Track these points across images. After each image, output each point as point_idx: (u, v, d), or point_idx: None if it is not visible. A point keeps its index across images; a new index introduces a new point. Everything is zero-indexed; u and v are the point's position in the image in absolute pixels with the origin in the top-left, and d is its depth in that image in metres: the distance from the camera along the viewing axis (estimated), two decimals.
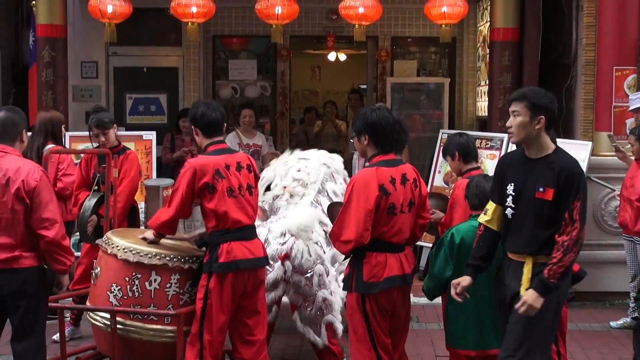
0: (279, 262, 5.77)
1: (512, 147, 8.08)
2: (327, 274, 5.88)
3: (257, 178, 5.42)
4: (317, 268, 5.80)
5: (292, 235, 5.81)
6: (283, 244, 5.78)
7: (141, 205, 7.35)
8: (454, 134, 6.09)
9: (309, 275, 5.79)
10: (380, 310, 4.74)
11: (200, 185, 5.04)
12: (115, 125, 6.69)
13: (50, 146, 6.67)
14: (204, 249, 5.26)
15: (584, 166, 7.68)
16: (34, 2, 9.33)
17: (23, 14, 11.19)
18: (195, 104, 5.41)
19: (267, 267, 5.62)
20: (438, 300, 5.17)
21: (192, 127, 5.32)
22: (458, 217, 5.38)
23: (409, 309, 5.00)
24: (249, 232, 5.20)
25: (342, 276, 5.14)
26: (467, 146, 5.74)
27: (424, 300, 7.75)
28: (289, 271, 5.76)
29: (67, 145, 8.54)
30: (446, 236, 4.83)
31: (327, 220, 5.84)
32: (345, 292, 4.90)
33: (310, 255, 5.78)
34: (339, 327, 5.84)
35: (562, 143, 7.63)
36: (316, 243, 5.86)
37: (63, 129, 7.09)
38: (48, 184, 4.74)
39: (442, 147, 5.80)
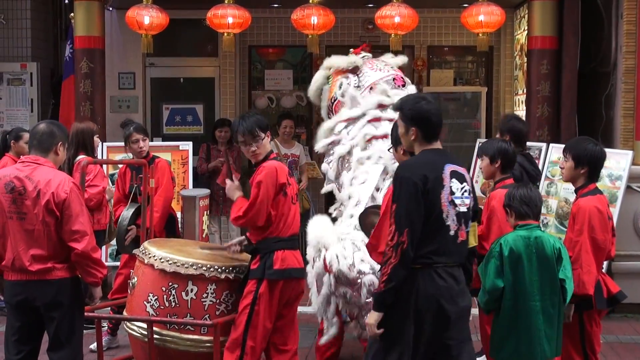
0: (327, 275, 5.68)
1: (550, 156, 7.99)
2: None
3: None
4: (367, 278, 5.56)
5: (325, 248, 5.73)
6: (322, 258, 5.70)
7: (177, 216, 7.38)
8: (500, 139, 5.96)
9: (355, 286, 5.62)
10: None
11: (279, 184, 5.05)
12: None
13: (81, 157, 6.74)
14: (237, 257, 5.27)
15: (624, 176, 7.60)
16: (72, 14, 9.44)
17: (62, 26, 11.35)
18: (256, 114, 5.37)
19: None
20: (474, 310, 5.11)
21: (268, 133, 5.25)
22: (495, 228, 5.32)
23: None
24: (297, 242, 5.27)
25: None
26: (511, 156, 5.64)
27: None
28: (332, 285, 5.66)
29: (105, 156, 8.62)
30: (494, 248, 4.78)
31: None
32: None
33: (354, 266, 5.59)
34: None
35: None
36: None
37: (97, 139, 7.14)
38: (79, 196, 4.76)
39: (480, 146, 5.62)
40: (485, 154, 5.57)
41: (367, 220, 5.32)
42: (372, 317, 4.14)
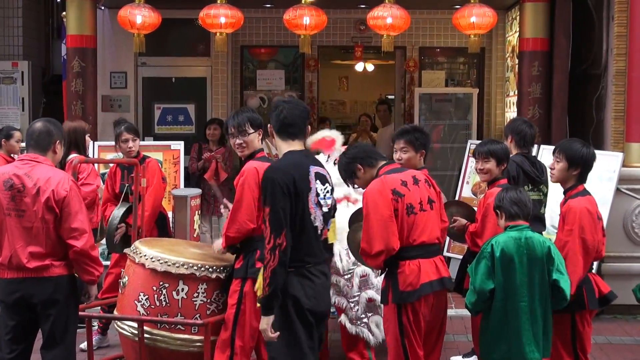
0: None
1: (541, 158, 8.01)
2: (375, 274, 5.93)
3: None
4: (358, 270, 5.88)
5: None
6: None
7: (169, 215, 7.38)
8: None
9: (347, 276, 5.87)
10: (416, 321, 4.78)
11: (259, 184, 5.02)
12: None
13: (73, 155, 6.70)
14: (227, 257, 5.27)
15: (614, 177, 7.63)
16: (64, 12, 9.43)
17: (53, 25, 11.36)
18: (253, 111, 5.36)
19: None
20: (466, 311, 5.13)
21: (259, 132, 5.22)
22: (490, 226, 5.35)
23: (445, 315, 5.04)
24: None
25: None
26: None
27: (451, 311, 7.75)
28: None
29: (96, 155, 8.62)
30: (485, 249, 4.80)
31: None
32: None
33: (350, 257, 5.81)
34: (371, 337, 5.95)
35: None
36: None
37: (88, 138, 7.13)
38: (78, 194, 4.79)
39: (488, 148, 5.64)
40: (493, 156, 5.59)
41: (356, 238, 5.44)
42: (263, 322, 4.23)
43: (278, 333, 4.23)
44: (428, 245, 4.83)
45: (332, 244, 4.59)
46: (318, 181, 4.31)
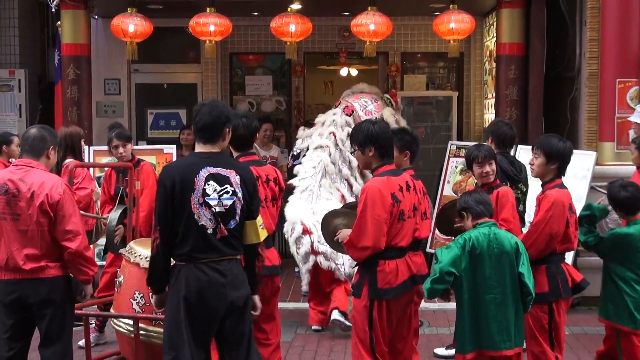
0: (307, 236, 7.03)
1: (518, 158, 8.24)
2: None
3: (281, 190, 5.56)
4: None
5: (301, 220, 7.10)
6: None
7: None
8: (500, 152, 6.29)
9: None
10: (388, 317, 4.91)
11: None
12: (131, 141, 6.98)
13: (69, 160, 6.78)
14: None
15: (588, 175, 7.80)
16: (59, 22, 9.56)
17: (49, 33, 11.42)
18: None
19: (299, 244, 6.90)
20: (449, 305, 5.26)
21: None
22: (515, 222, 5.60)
23: (412, 308, 5.20)
24: (267, 241, 5.26)
25: None
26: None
27: (435, 305, 7.85)
28: (315, 242, 6.88)
29: (91, 159, 8.76)
30: (458, 240, 4.97)
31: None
32: None
33: None
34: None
35: None
36: None
37: (83, 143, 7.22)
38: (71, 197, 4.89)
39: (488, 150, 5.86)
40: (493, 157, 5.77)
41: (330, 223, 5.70)
42: (153, 299, 4.65)
43: (163, 309, 4.55)
44: (405, 248, 5.00)
45: (254, 245, 4.56)
46: (212, 182, 4.34)
